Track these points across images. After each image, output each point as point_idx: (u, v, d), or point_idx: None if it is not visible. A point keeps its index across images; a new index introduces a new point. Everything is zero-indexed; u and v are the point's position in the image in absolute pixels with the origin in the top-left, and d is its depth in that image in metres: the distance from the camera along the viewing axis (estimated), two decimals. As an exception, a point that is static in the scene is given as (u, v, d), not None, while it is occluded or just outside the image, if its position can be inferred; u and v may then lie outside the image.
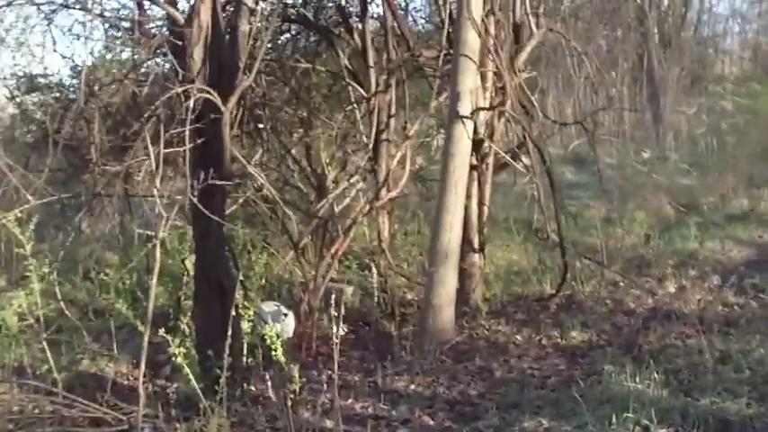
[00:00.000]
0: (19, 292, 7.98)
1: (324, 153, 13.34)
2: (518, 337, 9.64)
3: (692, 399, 6.96)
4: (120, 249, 13.02)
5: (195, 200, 7.31)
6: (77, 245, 12.50)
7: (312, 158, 13.35)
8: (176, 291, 10.31)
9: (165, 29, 8.25)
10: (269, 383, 6.94)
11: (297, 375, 7.48)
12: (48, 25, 9.09)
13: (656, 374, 7.34)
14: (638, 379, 7.34)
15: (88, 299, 11.56)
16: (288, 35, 13.03)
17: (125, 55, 11.39)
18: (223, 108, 7.63)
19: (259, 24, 9.30)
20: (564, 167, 21.22)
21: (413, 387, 8.23)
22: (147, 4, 8.74)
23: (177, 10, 8.03)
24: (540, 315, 10.36)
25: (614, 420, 6.48)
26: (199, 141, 7.64)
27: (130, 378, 8.89)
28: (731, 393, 6.98)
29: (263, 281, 10.98)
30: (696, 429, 6.35)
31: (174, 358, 6.97)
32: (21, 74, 11.74)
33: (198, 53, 7.78)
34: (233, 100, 7.81)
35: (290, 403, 6.92)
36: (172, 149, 7.32)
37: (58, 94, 11.80)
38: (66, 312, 8.18)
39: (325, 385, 7.99)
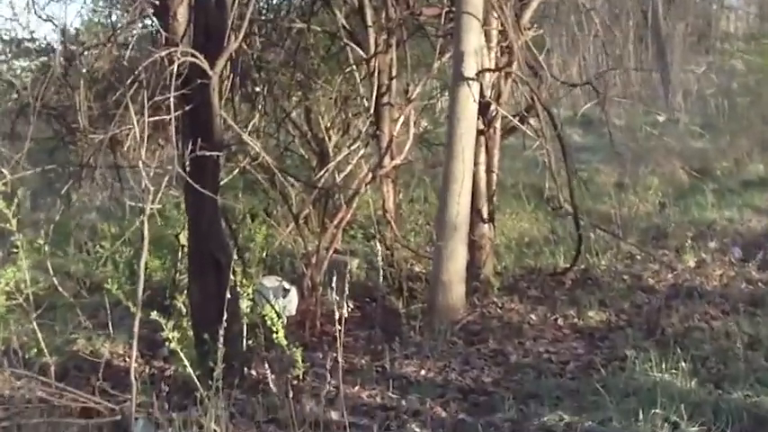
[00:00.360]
0: (7, 269, 7.65)
1: (324, 117, 12.90)
2: (532, 316, 9.18)
3: (723, 391, 6.55)
4: (114, 221, 12.59)
5: (184, 172, 6.88)
6: (69, 216, 12.14)
7: (312, 123, 12.91)
8: (173, 266, 9.93)
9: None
10: (269, 371, 6.56)
11: (300, 359, 7.14)
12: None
13: (683, 363, 6.91)
14: (663, 367, 6.93)
15: (83, 272, 11.19)
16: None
17: (113, 18, 11.01)
18: (210, 72, 7.12)
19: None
20: (571, 130, 20.70)
21: (423, 373, 7.81)
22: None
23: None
24: (555, 291, 9.88)
25: (641, 416, 6.07)
26: (186, 108, 7.19)
27: (127, 359, 8.52)
28: (765, 385, 6.57)
29: (264, 254, 10.57)
30: (730, 427, 5.95)
31: (168, 343, 6.57)
32: (6, 38, 11.29)
33: (182, 14, 7.29)
34: (220, 63, 7.29)
35: (292, 392, 6.56)
36: (158, 117, 6.90)
37: (45, 59, 11.31)
38: (60, 289, 7.86)
39: (329, 370, 7.57)
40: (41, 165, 8.79)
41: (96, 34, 11.08)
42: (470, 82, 9.17)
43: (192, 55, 7.01)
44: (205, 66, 7.07)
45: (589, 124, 20.90)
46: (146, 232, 6.39)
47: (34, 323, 7.14)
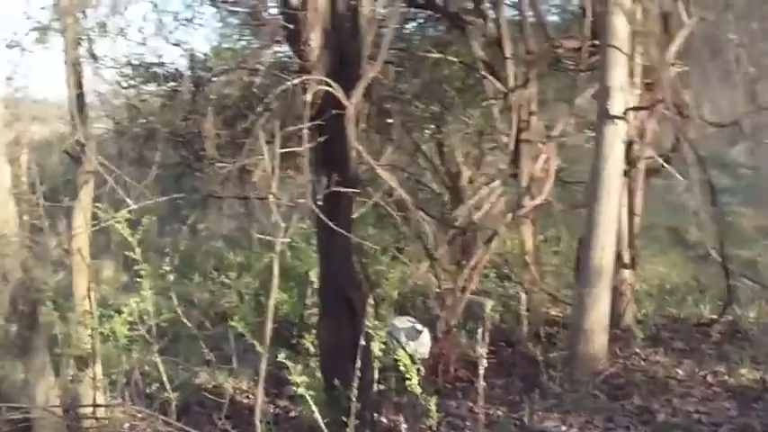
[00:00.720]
0: (130, 298, 7.42)
1: (458, 151, 12.51)
2: (679, 370, 8.64)
3: None
4: (240, 250, 12.42)
5: (317, 207, 6.53)
6: (195, 243, 12.01)
7: (445, 157, 12.52)
8: (301, 300, 9.65)
9: (279, 13, 7.43)
10: (402, 419, 6.19)
11: (434, 408, 6.73)
12: (156, 10, 8.47)
13: None
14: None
15: (207, 301, 10.99)
16: (415, 23, 12.12)
17: (242, 43, 10.86)
18: (346, 102, 6.77)
19: (383, 9, 8.47)
20: (707, 171, 20.11)
21: (564, 428, 7.35)
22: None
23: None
24: (702, 344, 9.33)
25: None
26: (320, 140, 6.82)
27: (251, 396, 8.26)
28: None
29: (397, 293, 10.22)
30: None
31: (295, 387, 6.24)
32: (136, 62, 11.15)
33: (315, 40, 6.92)
34: (357, 93, 6.91)
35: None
36: (289, 149, 6.57)
37: (173, 84, 11.16)
38: (185, 320, 7.60)
39: (465, 420, 7.17)
40: (168, 191, 8.62)
41: (225, 60, 10.91)
42: (617, 120, 8.70)
43: (327, 83, 6.68)
44: (341, 95, 6.73)
45: (724, 166, 20.18)
46: (275, 270, 6.06)
47: (156, 356, 6.93)
